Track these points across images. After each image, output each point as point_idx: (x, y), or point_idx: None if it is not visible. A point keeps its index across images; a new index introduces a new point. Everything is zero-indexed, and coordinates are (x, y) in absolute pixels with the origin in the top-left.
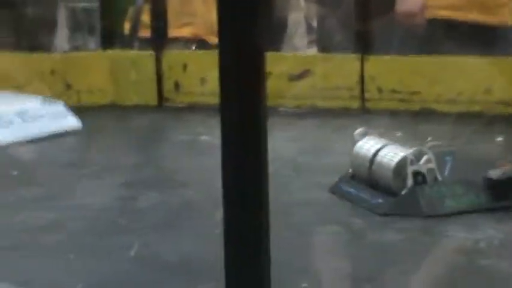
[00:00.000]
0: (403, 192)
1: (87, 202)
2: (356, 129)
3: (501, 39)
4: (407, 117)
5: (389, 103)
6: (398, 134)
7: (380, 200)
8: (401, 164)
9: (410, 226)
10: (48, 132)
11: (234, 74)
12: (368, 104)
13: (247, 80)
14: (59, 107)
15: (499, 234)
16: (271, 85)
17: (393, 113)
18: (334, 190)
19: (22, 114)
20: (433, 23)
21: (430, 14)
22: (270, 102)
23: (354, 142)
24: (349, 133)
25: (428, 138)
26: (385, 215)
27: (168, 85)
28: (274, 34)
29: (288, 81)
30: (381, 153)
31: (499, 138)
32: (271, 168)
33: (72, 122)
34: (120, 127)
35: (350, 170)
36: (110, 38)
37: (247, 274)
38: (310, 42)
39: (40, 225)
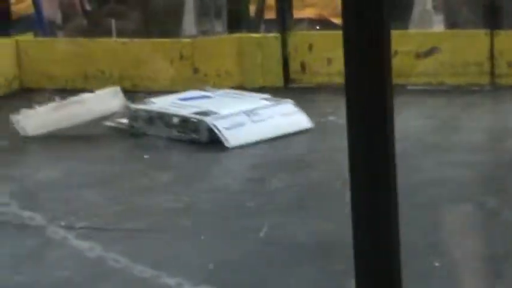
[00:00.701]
0: None
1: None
2: (486, 105)
3: None
4: None
5: None
6: None
7: None
8: None
9: None
10: (280, 132)
11: (358, 52)
12: (498, 80)
13: (372, 58)
14: (288, 106)
15: None
16: (399, 63)
17: None
18: None
19: (251, 115)
20: None
21: None
22: (398, 80)
23: None
24: (478, 111)
25: None
26: None
27: (294, 66)
28: (401, 12)
29: (415, 59)
30: None
31: None
32: (401, 147)
33: (302, 120)
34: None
35: None
36: (236, 22)
37: (377, 256)
38: (436, 20)
39: None
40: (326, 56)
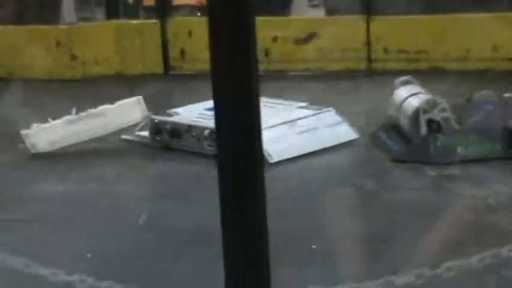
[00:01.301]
0: (416, 140)
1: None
2: (363, 90)
3: None
4: (415, 76)
5: (397, 63)
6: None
7: (397, 147)
8: (416, 113)
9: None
10: (325, 145)
11: (223, 39)
12: (375, 65)
13: (237, 45)
14: (333, 116)
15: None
16: (279, 49)
17: (401, 73)
18: (373, 137)
19: (294, 126)
20: None
21: None
22: (279, 66)
23: (394, 89)
24: (355, 95)
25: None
26: (395, 161)
27: (173, 53)
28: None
29: (295, 45)
30: (406, 102)
31: (507, 95)
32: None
33: (347, 132)
34: (126, 97)
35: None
36: (115, 8)
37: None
38: (315, 6)
39: None
40: (205, 42)
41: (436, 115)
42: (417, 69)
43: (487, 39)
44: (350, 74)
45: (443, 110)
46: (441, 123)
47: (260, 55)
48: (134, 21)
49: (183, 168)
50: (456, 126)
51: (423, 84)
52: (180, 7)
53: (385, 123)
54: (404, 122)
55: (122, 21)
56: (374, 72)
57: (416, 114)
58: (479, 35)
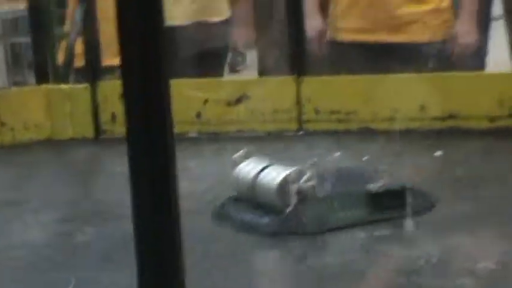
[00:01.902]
0: (287, 211)
1: (25, 239)
2: (296, 151)
3: (417, 54)
4: (346, 137)
5: (327, 124)
6: (338, 153)
7: (267, 220)
8: (283, 183)
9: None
10: None
11: (139, 103)
12: (306, 126)
13: (153, 109)
14: None
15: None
16: (210, 111)
17: (332, 134)
18: (218, 214)
19: None
20: (345, 45)
21: (342, 37)
22: (211, 128)
23: (235, 165)
24: (287, 155)
25: (365, 157)
26: (275, 233)
27: (104, 116)
28: (214, 62)
29: (227, 107)
30: (262, 174)
31: (438, 153)
32: (215, 195)
33: None
34: (55, 162)
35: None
36: (44, 72)
37: None
38: (237, 71)
39: None
40: None
41: (304, 184)
42: (347, 129)
43: (414, 99)
44: (282, 135)
45: (310, 179)
46: (309, 193)
47: (192, 118)
48: (64, 86)
49: None
50: (321, 194)
51: (353, 145)
52: (111, 68)
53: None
54: (265, 195)
55: (52, 86)
56: (306, 133)
57: (283, 185)
58: (406, 95)
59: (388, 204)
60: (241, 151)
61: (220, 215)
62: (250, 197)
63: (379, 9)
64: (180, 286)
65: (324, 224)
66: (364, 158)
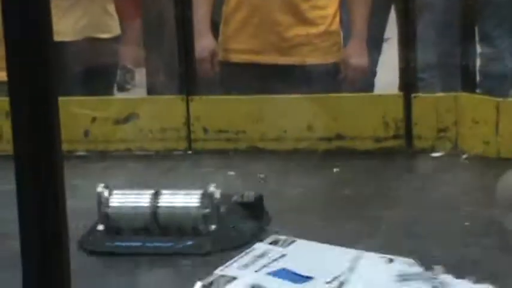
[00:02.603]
0: (212, 229)
1: None
2: (184, 169)
3: (307, 76)
4: (235, 156)
5: (216, 143)
6: (231, 173)
7: (190, 242)
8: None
9: None
10: None
11: (27, 121)
12: (195, 145)
13: (41, 127)
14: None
15: None
16: (98, 130)
17: (221, 152)
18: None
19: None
20: (235, 66)
21: (233, 58)
22: (99, 146)
23: (101, 197)
24: (176, 174)
25: (260, 175)
26: (209, 253)
27: None
28: (102, 79)
29: (115, 125)
30: (166, 202)
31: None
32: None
33: None
34: None
35: (100, 227)
36: None
37: None
38: (126, 89)
39: None
40: None
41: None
42: (236, 148)
43: (302, 120)
44: (170, 154)
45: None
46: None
47: (80, 136)
48: None
49: None
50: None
51: (241, 164)
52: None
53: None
54: (181, 220)
55: None
56: (194, 152)
57: (200, 209)
58: (294, 116)
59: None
60: (102, 185)
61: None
62: (150, 225)
63: (269, 31)
64: None
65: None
66: (261, 175)
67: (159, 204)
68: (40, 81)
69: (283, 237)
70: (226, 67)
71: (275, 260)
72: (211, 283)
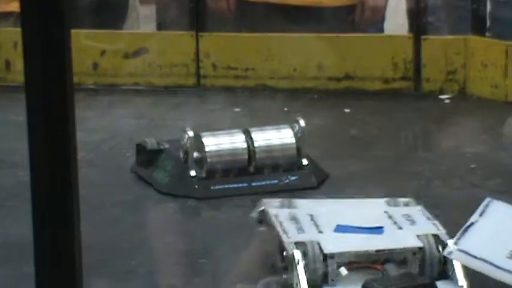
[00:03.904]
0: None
1: None
2: (192, 105)
3: (321, 18)
4: (243, 93)
5: (225, 79)
6: (237, 109)
7: (294, 177)
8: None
9: None
10: None
11: (38, 54)
12: (204, 81)
13: (52, 59)
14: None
15: None
16: (107, 63)
17: (229, 89)
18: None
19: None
20: (251, 4)
21: None
22: (107, 79)
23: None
24: (184, 110)
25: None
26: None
27: None
28: (115, 12)
29: (124, 59)
30: (261, 140)
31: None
32: (110, 145)
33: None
34: None
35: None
36: None
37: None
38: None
39: None
40: None
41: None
42: (245, 86)
43: (312, 59)
44: (179, 89)
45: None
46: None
47: (88, 68)
48: None
49: None
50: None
51: (249, 100)
52: (5, 15)
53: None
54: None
55: None
56: (203, 88)
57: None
58: (304, 55)
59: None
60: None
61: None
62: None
63: None
64: (75, 238)
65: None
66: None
67: (256, 144)
68: (52, 12)
69: (276, 201)
70: (242, 5)
71: (312, 220)
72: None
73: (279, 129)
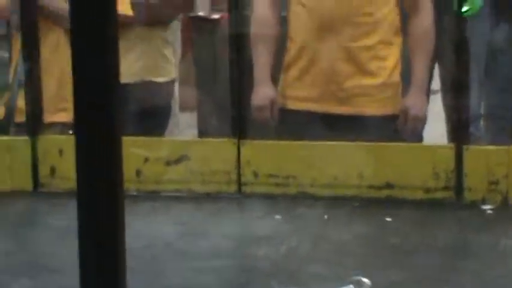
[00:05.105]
0: None
1: None
2: (232, 213)
3: (363, 127)
4: (284, 201)
5: (266, 187)
6: (277, 216)
7: None
8: None
9: None
10: None
11: (89, 158)
12: (245, 188)
13: (103, 165)
14: None
15: None
16: (149, 170)
17: (270, 197)
18: None
19: None
20: (292, 113)
21: (291, 105)
22: (149, 186)
23: None
24: (225, 218)
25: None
26: None
27: (43, 170)
28: (158, 120)
29: (166, 166)
30: None
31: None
32: (150, 253)
33: None
34: None
35: None
36: None
37: None
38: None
39: None
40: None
41: None
42: (286, 193)
43: (352, 167)
44: (220, 196)
45: None
46: None
47: (131, 175)
48: (5, 138)
49: None
50: None
51: (290, 208)
52: (51, 125)
53: None
54: None
55: None
56: (244, 195)
57: None
58: (345, 163)
59: None
60: None
61: None
62: None
63: (329, 80)
64: None
65: None
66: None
67: None
68: (106, 122)
69: None
70: (283, 114)
71: None
72: None
73: None
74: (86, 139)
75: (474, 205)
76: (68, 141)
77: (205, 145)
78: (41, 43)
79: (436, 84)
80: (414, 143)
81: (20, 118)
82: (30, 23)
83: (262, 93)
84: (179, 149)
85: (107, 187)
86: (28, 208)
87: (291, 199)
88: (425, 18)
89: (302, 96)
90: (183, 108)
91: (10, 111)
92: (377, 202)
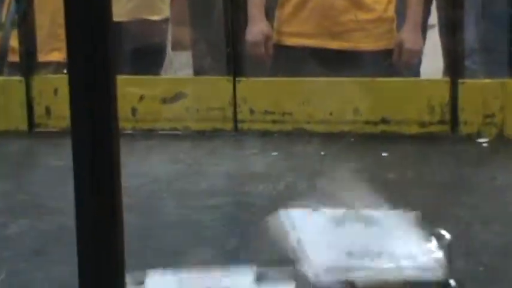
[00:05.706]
0: None
1: None
2: (229, 150)
3: (358, 62)
4: (280, 137)
5: (262, 124)
6: (274, 153)
7: None
8: None
9: None
10: None
11: (83, 97)
12: (241, 126)
13: (97, 103)
14: None
15: None
16: (145, 108)
17: (266, 134)
18: None
19: None
20: (288, 49)
21: (286, 41)
22: (145, 124)
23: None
24: (221, 155)
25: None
26: None
27: (39, 110)
28: (153, 58)
29: (161, 104)
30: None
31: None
32: (148, 190)
33: None
34: None
35: None
36: None
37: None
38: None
39: None
40: None
41: None
42: (282, 130)
43: (348, 103)
44: (216, 134)
45: None
46: None
47: (127, 114)
48: None
49: None
50: None
51: (286, 145)
52: (46, 64)
53: None
54: None
55: None
56: (240, 133)
57: None
58: (341, 99)
59: None
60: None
61: None
62: None
63: (324, 15)
64: (120, 283)
65: None
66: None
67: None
68: (100, 61)
69: None
70: (279, 50)
71: None
72: None
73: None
74: (79, 79)
75: (470, 138)
76: (62, 81)
77: (201, 83)
78: None
79: (434, 18)
80: (410, 77)
81: (14, 58)
82: None
83: (256, 29)
84: (175, 87)
85: (102, 125)
86: (24, 148)
87: (287, 136)
88: None
89: (297, 31)
90: (176, 47)
91: (3, 50)
92: (373, 137)
